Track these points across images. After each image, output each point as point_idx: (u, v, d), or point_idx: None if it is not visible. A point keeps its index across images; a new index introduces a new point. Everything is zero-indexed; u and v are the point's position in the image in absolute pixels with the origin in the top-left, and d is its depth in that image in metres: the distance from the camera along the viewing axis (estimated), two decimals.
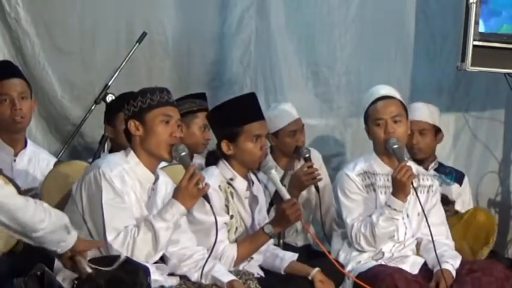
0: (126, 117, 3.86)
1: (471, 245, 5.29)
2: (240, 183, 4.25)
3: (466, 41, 5.41)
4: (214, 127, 4.35)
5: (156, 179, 3.89)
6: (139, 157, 3.83)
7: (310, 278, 4.19)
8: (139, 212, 3.78)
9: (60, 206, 3.97)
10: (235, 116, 4.21)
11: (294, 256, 4.31)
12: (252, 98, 4.35)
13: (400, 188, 4.31)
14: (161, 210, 3.75)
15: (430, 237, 4.43)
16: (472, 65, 5.43)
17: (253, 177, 4.41)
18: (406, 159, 4.39)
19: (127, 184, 3.75)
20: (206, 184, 3.78)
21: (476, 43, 5.42)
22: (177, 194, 3.75)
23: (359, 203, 4.47)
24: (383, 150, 4.46)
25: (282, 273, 4.26)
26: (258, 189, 4.40)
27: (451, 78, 6.19)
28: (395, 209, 4.34)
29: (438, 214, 4.58)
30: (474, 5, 5.38)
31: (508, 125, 6.28)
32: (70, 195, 3.85)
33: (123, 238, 3.65)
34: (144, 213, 3.80)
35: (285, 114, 5.16)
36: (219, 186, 4.18)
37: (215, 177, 4.19)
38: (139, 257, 3.67)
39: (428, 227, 4.34)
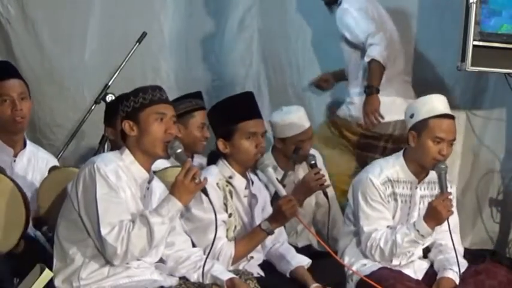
0: (121, 118, 3.85)
1: None
2: (239, 182, 4.28)
3: (466, 41, 5.42)
4: (212, 126, 4.38)
5: (151, 178, 3.88)
6: (134, 156, 3.81)
7: None
8: (135, 208, 3.77)
9: (55, 206, 4.00)
10: (229, 114, 4.25)
11: (303, 262, 4.28)
12: (248, 96, 4.38)
13: (435, 217, 4.27)
14: (157, 206, 3.74)
15: (441, 241, 4.46)
16: (472, 65, 5.43)
17: (254, 177, 4.42)
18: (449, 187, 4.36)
19: (122, 180, 3.74)
20: (204, 178, 3.77)
21: (476, 43, 5.42)
22: (173, 189, 3.73)
23: (379, 212, 4.40)
24: (424, 163, 4.40)
25: (287, 276, 4.24)
26: (258, 188, 4.41)
27: (453, 76, 6.18)
28: (422, 235, 4.30)
29: (452, 221, 4.44)
30: (474, 5, 5.38)
31: (510, 123, 6.27)
32: (66, 195, 3.83)
33: (118, 232, 3.64)
34: (140, 209, 3.79)
35: (295, 125, 5.08)
36: (217, 184, 4.20)
37: (214, 175, 4.21)
38: (134, 252, 3.66)
39: (451, 236, 4.30)
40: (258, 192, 4.39)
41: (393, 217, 4.44)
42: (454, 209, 4.50)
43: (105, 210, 3.65)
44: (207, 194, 3.81)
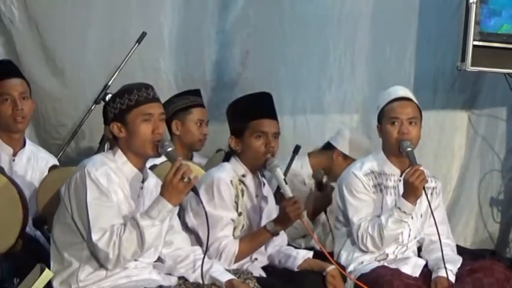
0: (110, 120, 3.82)
1: None
2: (251, 180, 4.28)
3: (466, 41, 5.43)
4: (228, 123, 4.37)
5: (145, 178, 3.87)
6: (126, 156, 3.80)
7: (324, 273, 4.17)
8: (128, 209, 3.75)
9: (55, 205, 4.00)
10: (242, 112, 4.26)
11: (309, 254, 4.29)
12: (264, 96, 4.37)
13: (411, 191, 4.30)
14: (148, 208, 3.69)
15: (432, 238, 4.48)
16: (472, 65, 5.44)
17: (265, 180, 4.42)
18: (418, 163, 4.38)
19: (113, 182, 3.72)
20: (194, 177, 3.69)
21: (476, 43, 5.43)
22: (163, 190, 3.67)
23: (366, 202, 4.45)
24: (393, 150, 4.44)
25: (296, 269, 4.23)
26: (268, 191, 4.42)
27: (453, 75, 6.19)
28: (404, 212, 4.33)
29: (439, 214, 4.55)
30: (474, 5, 5.39)
31: (510, 123, 6.28)
32: (60, 198, 3.83)
33: (109, 237, 3.61)
34: (133, 210, 3.76)
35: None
36: (231, 181, 4.20)
37: (227, 172, 4.22)
38: (126, 255, 3.64)
39: (437, 229, 4.32)
40: (268, 194, 4.40)
41: (381, 209, 4.46)
42: (441, 203, 4.62)
43: (95, 216, 3.63)
44: (197, 194, 3.78)
